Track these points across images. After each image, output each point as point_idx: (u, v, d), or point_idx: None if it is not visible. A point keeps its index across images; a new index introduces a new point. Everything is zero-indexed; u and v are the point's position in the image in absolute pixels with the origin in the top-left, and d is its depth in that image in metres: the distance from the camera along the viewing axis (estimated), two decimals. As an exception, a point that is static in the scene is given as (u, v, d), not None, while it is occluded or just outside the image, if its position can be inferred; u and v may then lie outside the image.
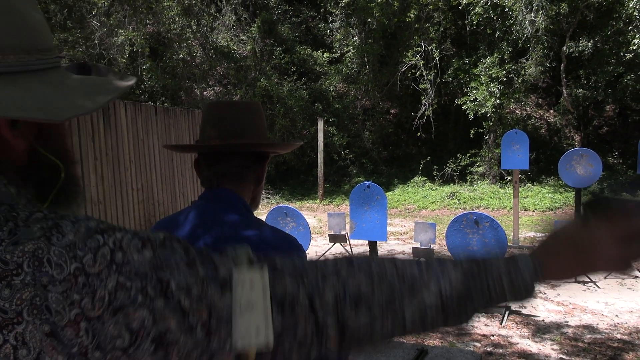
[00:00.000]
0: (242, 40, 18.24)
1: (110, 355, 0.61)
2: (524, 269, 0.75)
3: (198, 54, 17.58)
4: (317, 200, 14.86)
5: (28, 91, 0.69)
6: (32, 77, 0.71)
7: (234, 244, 1.26)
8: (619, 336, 4.88)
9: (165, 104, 15.69)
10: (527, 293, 0.75)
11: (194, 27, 16.84)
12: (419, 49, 15.98)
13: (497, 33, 14.57)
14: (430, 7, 15.87)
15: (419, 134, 16.35)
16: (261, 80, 16.56)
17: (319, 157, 14.76)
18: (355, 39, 16.82)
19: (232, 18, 18.17)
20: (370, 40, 16.44)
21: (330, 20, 18.14)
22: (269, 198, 14.88)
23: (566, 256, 0.76)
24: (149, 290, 0.64)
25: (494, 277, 0.75)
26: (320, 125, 14.57)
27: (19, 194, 0.72)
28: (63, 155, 0.81)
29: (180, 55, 16.71)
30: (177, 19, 16.24)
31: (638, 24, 12.82)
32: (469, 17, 14.86)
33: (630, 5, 12.58)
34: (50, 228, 0.63)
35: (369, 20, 16.08)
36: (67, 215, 0.66)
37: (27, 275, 0.60)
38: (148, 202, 7.20)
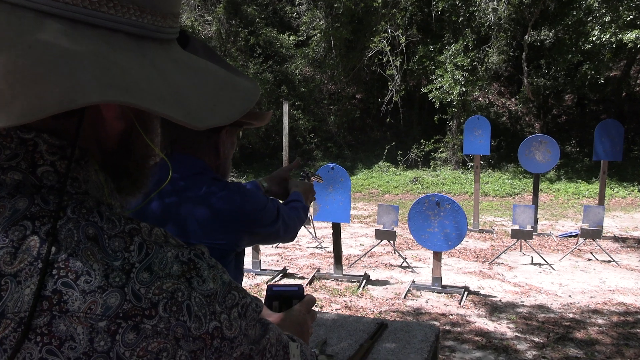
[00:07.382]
0: (207, 20, 17.90)
1: None
2: None
3: (161, 34, 17.16)
4: (282, 184, 14.82)
5: (162, 74, 0.53)
6: (162, 52, 0.55)
7: (209, 216, 1.26)
8: (571, 315, 5.06)
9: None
10: None
11: (158, 6, 16.41)
12: (386, 34, 16.01)
13: (461, 20, 14.72)
14: (397, -8, 15.92)
15: (387, 119, 16.45)
16: (226, 61, 16.33)
17: (284, 140, 14.60)
18: (321, 22, 16.72)
19: (197, -3, 17.80)
20: (337, 25, 16.37)
21: (297, 2, 17.97)
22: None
23: (293, 332, 0.90)
24: None
25: None
26: (286, 108, 14.42)
27: (106, 182, 0.60)
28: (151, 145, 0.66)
29: (143, 34, 16.30)
30: (139, -4, 15.79)
31: (597, 14, 13.14)
32: (435, 3, 14.96)
33: (590, -3, 12.89)
34: (188, 264, 0.52)
35: (336, 4, 16.01)
36: (194, 247, 0.55)
37: (161, 321, 0.48)
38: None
